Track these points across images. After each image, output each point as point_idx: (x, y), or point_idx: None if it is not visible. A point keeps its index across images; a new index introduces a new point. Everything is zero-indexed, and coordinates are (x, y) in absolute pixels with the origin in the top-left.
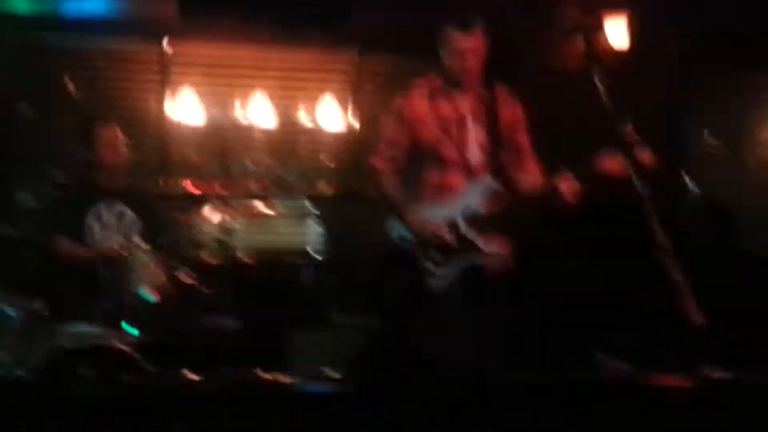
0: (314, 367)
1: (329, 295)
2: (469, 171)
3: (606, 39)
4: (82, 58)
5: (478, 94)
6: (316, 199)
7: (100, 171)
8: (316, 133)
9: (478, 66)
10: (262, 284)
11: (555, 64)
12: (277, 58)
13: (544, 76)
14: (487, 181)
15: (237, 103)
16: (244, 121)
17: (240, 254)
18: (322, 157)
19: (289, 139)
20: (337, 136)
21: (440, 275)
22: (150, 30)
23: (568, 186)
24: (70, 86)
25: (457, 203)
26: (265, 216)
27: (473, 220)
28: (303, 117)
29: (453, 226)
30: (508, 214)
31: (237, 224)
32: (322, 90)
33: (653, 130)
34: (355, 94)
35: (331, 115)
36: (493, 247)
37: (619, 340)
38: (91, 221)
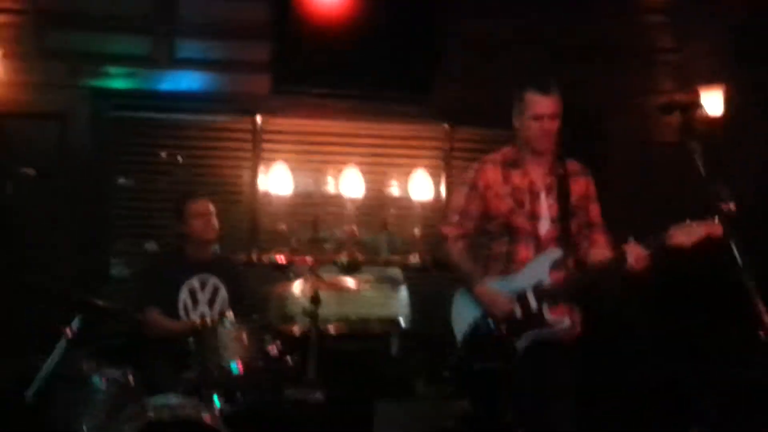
0: None
1: (417, 366)
2: (538, 242)
3: (703, 111)
4: (177, 132)
5: (550, 166)
6: (406, 270)
7: (191, 244)
8: (406, 204)
9: (554, 132)
10: (350, 355)
11: (650, 136)
12: (368, 131)
13: (638, 148)
14: (556, 252)
15: (328, 175)
16: (334, 192)
17: (328, 325)
18: (412, 227)
19: (380, 210)
20: (427, 207)
21: (508, 349)
22: (244, 104)
23: (634, 254)
24: (166, 159)
25: (526, 275)
26: (355, 287)
27: (542, 292)
28: (394, 188)
29: (522, 298)
30: (577, 285)
31: (326, 295)
32: (412, 161)
33: (753, 203)
34: (446, 164)
35: (421, 186)
36: (563, 320)
37: (715, 414)
38: (182, 293)
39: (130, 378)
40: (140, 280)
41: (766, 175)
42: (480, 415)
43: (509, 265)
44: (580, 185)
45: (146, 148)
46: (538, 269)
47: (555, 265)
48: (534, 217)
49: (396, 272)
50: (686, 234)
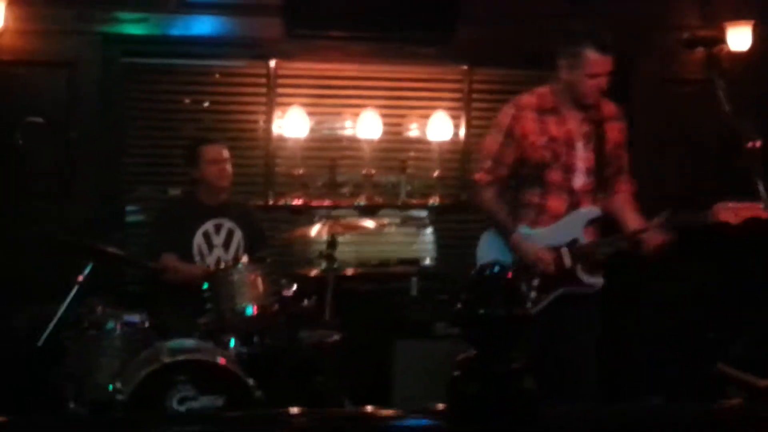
0: (416, 378)
1: (436, 307)
2: (572, 195)
3: (727, 47)
4: (190, 77)
5: (589, 115)
6: (424, 212)
7: (204, 189)
8: (424, 147)
9: (605, 88)
10: (369, 297)
11: (674, 73)
12: (385, 74)
13: (661, 85)
14: (593, 211)
15: (345, 119)
16: (351, 135)
17: (345, 267)
18: (430, 170)
19: (398, 152)
20: (446, 149)
21: (534, 302)
22: (257, 49)
23: (653, 238)
24: (178, 106)
25: (560, 230)
26: (375, 229)
27: (578, 250)
28: (412, 130)
29: (557, 253)
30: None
31: (346, 238)
32: (431, 103)
33: None
34: (466, 106)
35: (440, 128)
36: (598, 280)
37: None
38: (197, 237)
39: (146, 324)
40: (154, 226)
41: None
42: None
43: (540, 216)
44: (615, 131)
45: (158, 94)
46: (573, 226)
47: (590, 224)
48: (569, 170)
49: (422, 213)
50: (732, 213)
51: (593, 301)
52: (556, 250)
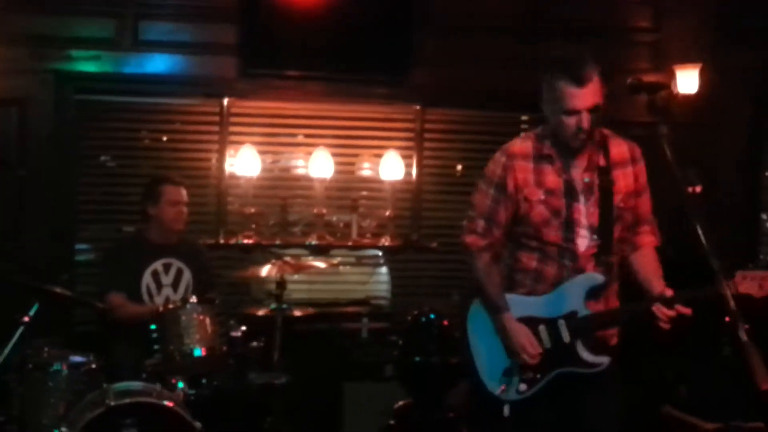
0: (366, 420)
1: (387, 347)
2: (574, 260)
3: (673, 91)
4: (143, 115)
5: (590, 156)
6: (376, 251)
7: (157, 227)
8: (377, 186)
9: (592, 124)
10: (319, 337)
11: (623, 116)
12: (338, 113)
13: (611, 128)
14: (595, 278)
15: (298, 158)
16: (303, 174)
17: (295, 307)
18: (382, 209)
19: (350, 191)
20: (398, 188)
21: (529, 383)
22: (210, 87)
23: (665, 312)
24: (137, 142)
25: (558, 300)
26: (325, 269)
27: (576, 324)
28: (364, 170)
29: (552, 327)
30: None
31: (293, 277)
32: (383, 143)
33: (727, 184)
34: (418, 146)
35: (392, 168)
36: (602, 360)
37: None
38: (145, 277)
39: (93, 365)
40: (103, 264)
41: (741, 152)
42: (421, 409)
43: (537, 284)
44: (628, 178)
45: (111, 132)
46: (572, 296)
47: (593, 293)
48: (570, 228)
49: (374, 253)
50: (755, 285)
51: (607, 379)
52: (552, 322)
